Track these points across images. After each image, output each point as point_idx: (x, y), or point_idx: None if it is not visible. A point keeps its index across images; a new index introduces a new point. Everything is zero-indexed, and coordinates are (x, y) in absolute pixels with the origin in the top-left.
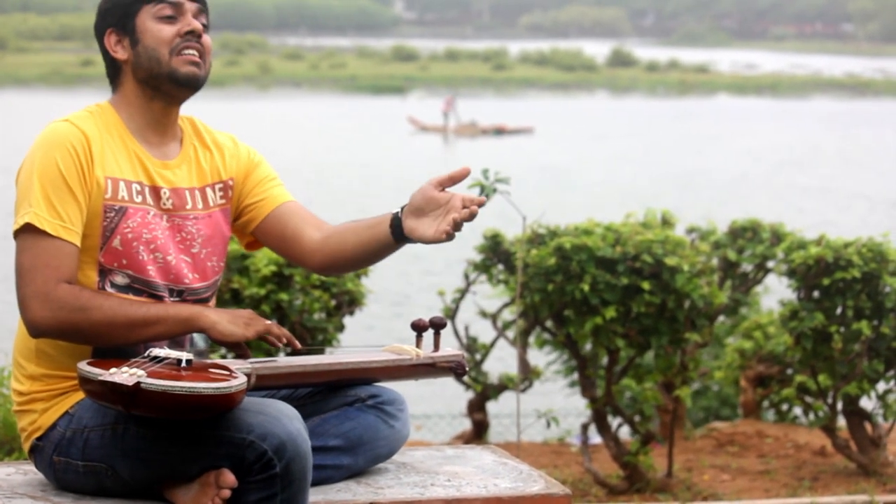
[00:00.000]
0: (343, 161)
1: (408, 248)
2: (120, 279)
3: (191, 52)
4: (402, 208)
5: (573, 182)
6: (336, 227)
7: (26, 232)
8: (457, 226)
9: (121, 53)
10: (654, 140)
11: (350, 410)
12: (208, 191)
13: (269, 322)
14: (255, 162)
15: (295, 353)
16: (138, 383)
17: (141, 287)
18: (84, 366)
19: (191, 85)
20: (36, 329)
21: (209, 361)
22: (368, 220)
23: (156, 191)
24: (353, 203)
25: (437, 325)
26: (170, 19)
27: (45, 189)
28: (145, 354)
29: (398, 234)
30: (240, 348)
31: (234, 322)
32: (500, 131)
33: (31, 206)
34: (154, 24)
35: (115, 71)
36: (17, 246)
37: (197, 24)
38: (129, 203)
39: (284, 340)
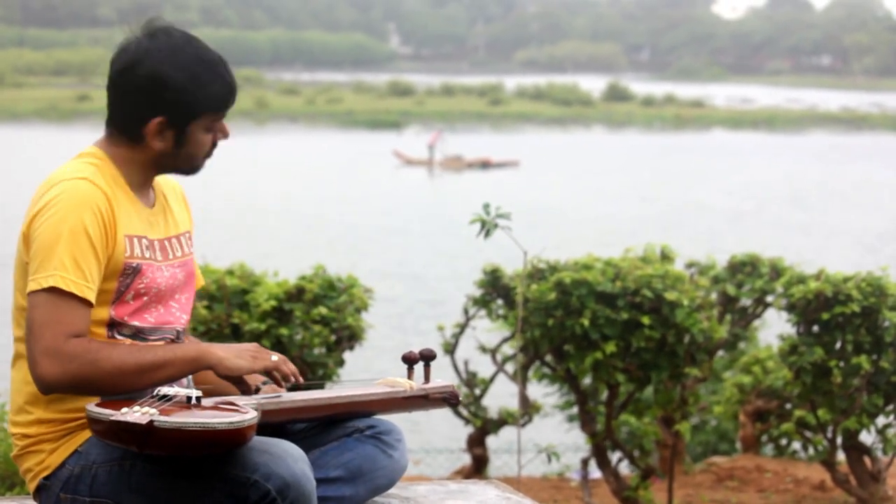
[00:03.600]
0: (327, 195)
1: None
2: (127, 330)
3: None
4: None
5: (560, 216)
6: None
7: (45, 290)
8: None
9: (158, 143)
10: (650, 174)
11: (349, 441)
12: (182, 239)
13: (276, 357)
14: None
15: (295, 387)
16: (151, 422)
17: (146, 336)
18: (93, 407)
19: (192, 175)
20: (47, 386)
21: (216, 398)
22: None
23: (152, 242)
24: (331, 237)
25: (427, 357)
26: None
27: (72, 251)
28: (154, 394)
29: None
30: (243, 384)
31: (240, 356)
32: (485, 165)
33: (56, 269)
34: (202, 134)
35: (136, 138)
36: (31, 301)
37: (228, 130)
38: (142, 259)
39: (292, 379)
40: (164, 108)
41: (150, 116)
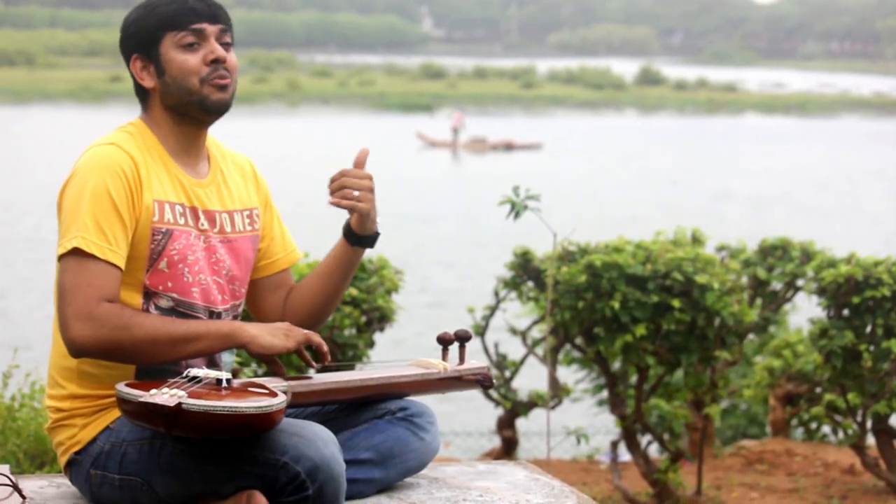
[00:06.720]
0: None
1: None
2: (164, 302)
3: (219, 77)
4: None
5: (585, 199)
6: (296, 285)
7: (71, 254)
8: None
9: (147, 81)
10: (681, 158)
11: (380, 423)
12: (236, 216)
13: (306, 332)
14: (269, 196)
15: (325, 369)
16: (179, 404)
17: (184, 310)
18: (123, 387)
19: (220, 111)
20: (77, 348)
21: (246, 380)
22: (322, 263)
23: (194, 211)
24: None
25: (463, 339)
26: (192, 46)
27: (95, 213)
28: (183, 375)
29: (350, 236)
30: (275, 364)
31: (273, 335)
32: (508, 147)
33: (78, 231)
34: (178, 53)
35: (143, 94)
36: (60, 266)
37: (221, 52)
38: (175, 225)
39: (325, 349)
40: (132, 45)
41: (130, 61)
